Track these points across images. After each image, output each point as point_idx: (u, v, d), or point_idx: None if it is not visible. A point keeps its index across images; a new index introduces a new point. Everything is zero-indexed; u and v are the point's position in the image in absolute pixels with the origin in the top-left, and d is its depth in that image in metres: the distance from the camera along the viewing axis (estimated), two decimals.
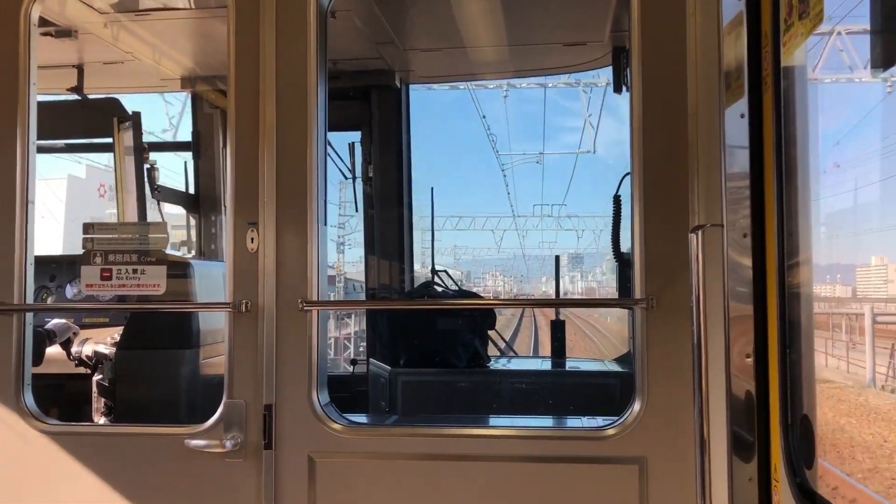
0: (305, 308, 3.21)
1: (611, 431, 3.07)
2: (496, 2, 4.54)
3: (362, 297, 5.68)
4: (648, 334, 3.06)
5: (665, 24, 3.02)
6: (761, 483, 2.44)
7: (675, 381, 3.03)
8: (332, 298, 8.08)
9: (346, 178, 5.93)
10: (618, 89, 4.77)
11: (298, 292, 3.22)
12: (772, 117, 2.41)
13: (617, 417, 3.11)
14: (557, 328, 5.47)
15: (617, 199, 4.47)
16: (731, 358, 2.53)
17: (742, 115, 2.48)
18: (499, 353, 5.83)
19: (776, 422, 2.38)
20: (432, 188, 6.62)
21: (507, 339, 6.31)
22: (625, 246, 4.54)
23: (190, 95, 6.05)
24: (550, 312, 5.97)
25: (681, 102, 3.02)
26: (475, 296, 5.65)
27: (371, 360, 5.25)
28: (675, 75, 3.02)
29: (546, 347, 5.60)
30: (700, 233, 2.61)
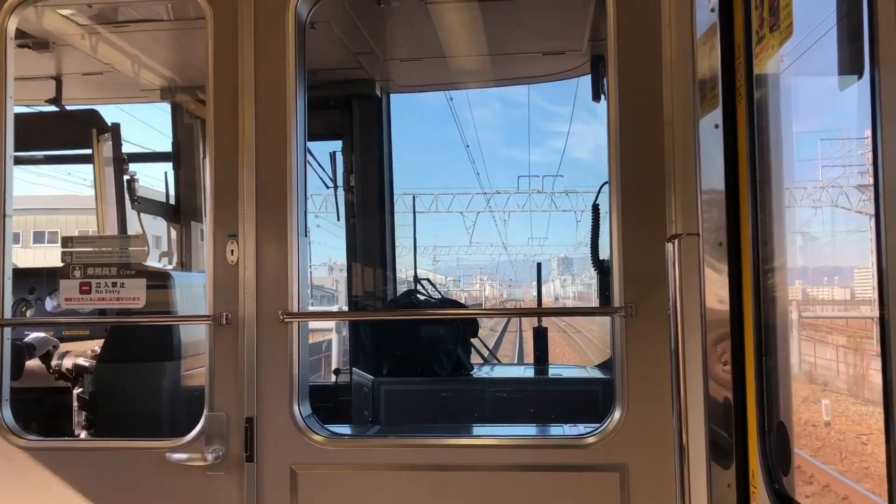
0: (286, 319, 3.19)
1: (592, 439, 3.07)
2: (475, 12, 4.56)
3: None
4: (628, 342, 3.08)
5: (641, 34, 3.04)
6: (739, 489, 2.46)
7: (655, 388, 3.04)
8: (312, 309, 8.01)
9: (328, 188, 5.92)
10: (596, 97, 4.81)
11: (279, 304, 3.20)
12: (745, 127, 2.44)
13: (598, 425, 3.11)
14: (540, 336, 5.49)
15: (596, 208, 4.50)
16: (708, 365, 2.55)
17: (717, 126, 2.50)
18: (482, 361, 5.84)
19: (753, 428, 2.40)
20: (414, 196, 6.62)
21: (490, 347, 6.31)
22: (604, 254, 4.57)
23: (170, 106, 6.01)
24: (534, 319, 5.98)
25: (657, 112, 3.04)
26: (457, 304, 5.66)
27: (354, 369, 5.24)
28: (651, 85, 3.04)
29: (531, 354, 5.62)
30: (677, 241, 2.62)
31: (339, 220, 6.03)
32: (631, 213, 3.07)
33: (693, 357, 2.65)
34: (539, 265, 5.96)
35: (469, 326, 5.09)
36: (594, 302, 4.90)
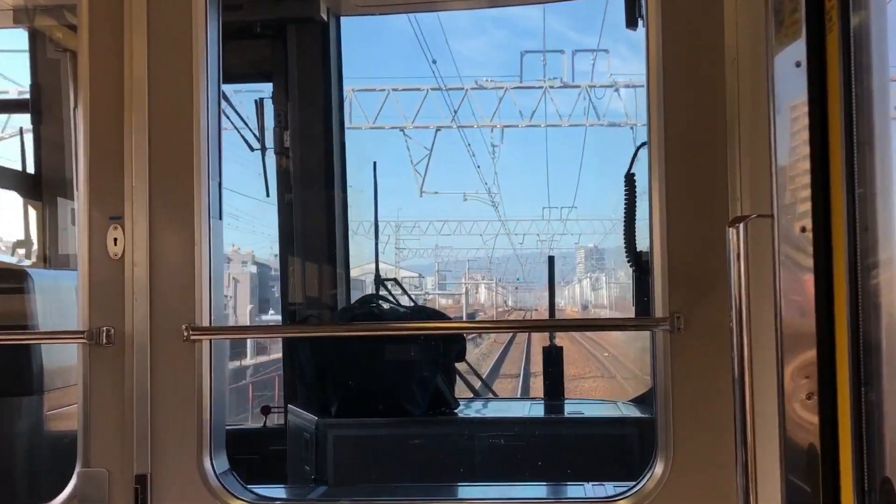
0: (192, 337, 3.19)
1: (624, 503, 3.11)
2: None
3: None
4: (674, 366, 3.10)
5: None
6: None
7: (710, 430, 3.07)
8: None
9: (253, 150, 5.92)
10: (631, 22, 4.82)
11: (182, 315, 3.21)
12: (838, 65, 2.44)
13: (633, 483, 3.15)
14: (552, 358, 5.52)
15: (630, 180, 4.52)
16: (785, 397, 2.57)
17: (798, 64, 2.51)
18: (471, 395, 5.85)
19: (848, 486, 2.42)
20: (375, 163, 6.63)
21: (482, 376, 6.34)
22: (643, 244, 4.61)
23: (27, 33, 5.94)
24: (545, 335, 6.05)
25: (715, 44, 3.06)
26: (436, 315, 5.66)
27: (291, 407, 5.24)
28: (708, 9, 3.06)
29: (540, 384, 5.70)
30: (742, 227, 2.64)
31: (268, 196, 6.03)
32: (678, 188, 3.09)
33: (764, 387, 2.67)
34: (552, 259, 5.99)
35: (453, 346, 5.08)
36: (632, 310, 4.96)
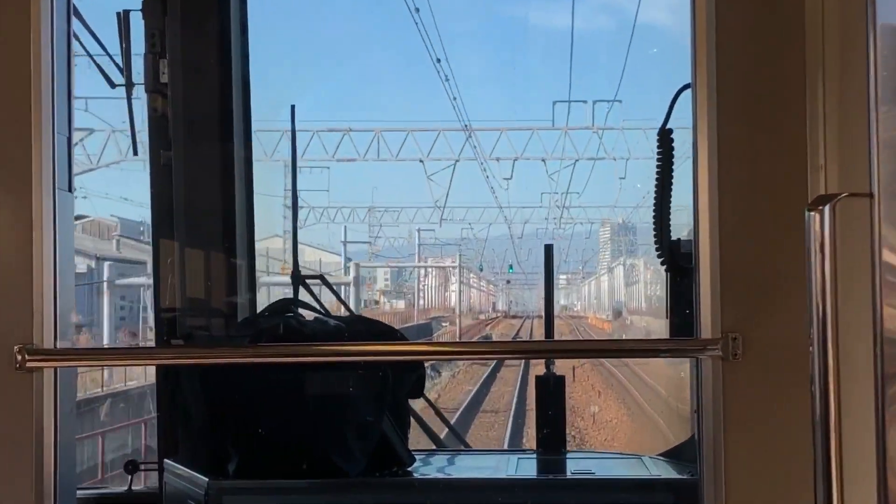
0: (29, 363, 3.21)
1: None
2: None
3: None
4: (727, 405, 3.17)
5: None
6: None
7: (779, 495, 3.14)
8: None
9: (114, 86, 5.89)
10: None
11: (14, 334, 3.23)
12: None
13: None
14: (549, 393, 5.57)
15: (666, 138, 4.54)
16: (887, 446, 2.61)
17: None
18: (433, 447, 5.84)
19: None
20: (293, 108, 6.63)
21: (449, 420, 6.33)
22: (680, 230, 4.63)
23: None
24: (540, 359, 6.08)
25: None
26: (384, 331, 5.64)
27: (168, 463, 5.23)
28: None
29: (533, 430, 5.74)
30: (827, 210, 2.68)
31: (135, 154, 5.98)
32: (736, 155, 3.16)
33: (857, 434, 2.71)
34: (549, 250, 5.99)
35: (406, 377, 5.11)
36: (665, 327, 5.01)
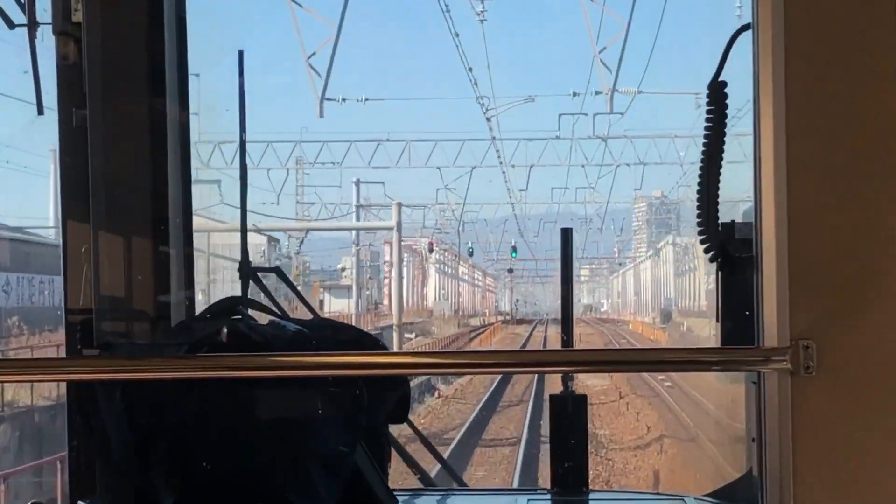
0: None
1: None
2: None
3: None
4: (797, 431, 3.20)
5: None
6: None
7: None
8: None
9: (13, 27, 5.88)
10: None
11: None
12: None
13: None
14: (566, 418, 5.61)
15: (719, 93, 4.52)
16: None
17: None
18: (420, 485, 5.83)
19: None
20: (241, 52, 6.64)
21: (440, 452, 6.30)
22: (733, 212, 4.63)
23: None
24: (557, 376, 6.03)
25: None
26: (361, 338, 5.63)
27: None
28: None
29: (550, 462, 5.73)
30: None
31: (40, 113, 5.97)
32: (808, 113, 3.20)
33: None
34: (567, 233, 5.98)
35: (386, 398, 5.17)
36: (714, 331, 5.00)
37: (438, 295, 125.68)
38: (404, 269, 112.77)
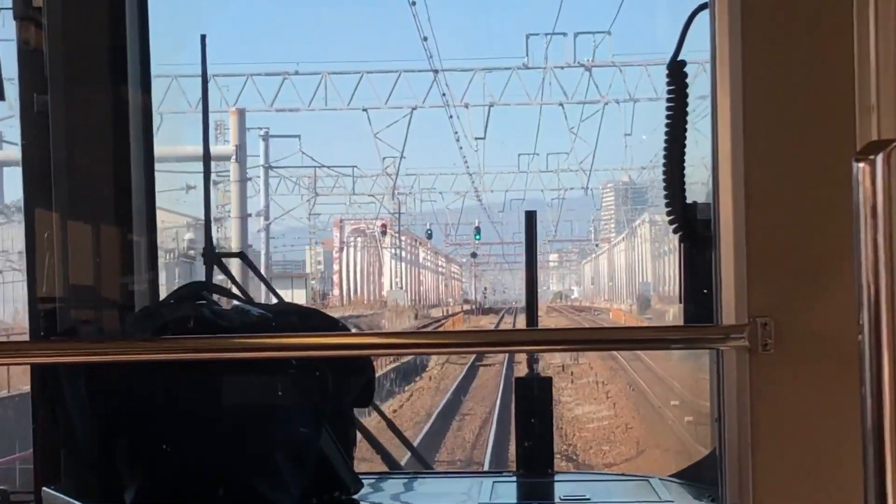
0: None
1: None
2: None
3: None
4: (755, 408, 3.23)
5: None
6: None
7: None
8: None
9: None
10: None
11: None
12: None
13: None
14: (531, 399, 5.62)
15: (678, 73, 4.53)
16: None
17: None
18: (386, 468, 5.83)
19: None
20: (204, 36, 6.61)
21: (406, 435, 6.29)
22: (698, 192, 4.64)
23: None
24: (522, 356, 6.03)
25: None
26: (323, 321, 5.62)
27: (47, 492, 5.22)
28: None
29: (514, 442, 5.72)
30: (880, 159, 2.71)
31: (1, 99, 5.96)
32: (763, 91, 3.22)
33: None
34: (531, 216, 5.98)
35: (352, 381, 5.17)
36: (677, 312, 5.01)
37: (393, 284, 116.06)
38: (358, 255, 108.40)
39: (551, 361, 46.38)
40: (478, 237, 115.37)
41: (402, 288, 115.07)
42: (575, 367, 50.22)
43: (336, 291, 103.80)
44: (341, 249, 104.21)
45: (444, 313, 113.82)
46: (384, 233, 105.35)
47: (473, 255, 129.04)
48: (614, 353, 44.00)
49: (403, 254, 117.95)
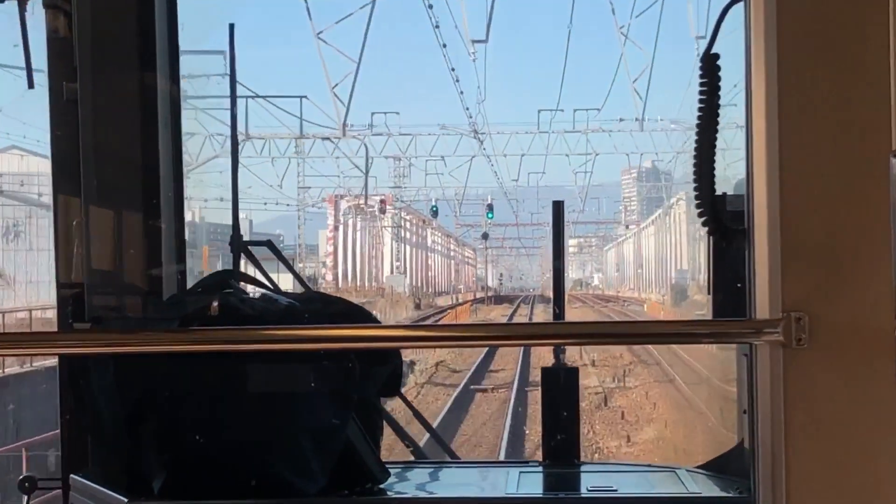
0: None
1: None
2: None
3: None
4: (789, 403, 3.20)
5: None
6: None
7: None
8: None
9: (3, 0, 5.85)
10: None
11: None
12: None
13: None
14: (558, 388, 5.64)
15: (712, 65, 4.52)
16: None
17: None
18: (412, 458, 5.83)
19: None
20: (232, 26, 6.62)
21: (431, 424, 6.28)
22: (729, 183, 4.62)
23: None
24: (549, 349, 6.01)
25: None
26: (351, 311, 5.61)
27: (76, 479, 5.23)
28: None
29: (539, 436, 5.69)
30: None
31: (30, 87, 5.96)
32: (799, 85, 3.19)
33: None
34: (558, 206, 5.96)
35: (379, 372, 5.17)
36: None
37: (394, 268, 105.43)
38: (357, 236, 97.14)
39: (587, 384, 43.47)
40: (490, 216, 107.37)
41: (402, 273, 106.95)
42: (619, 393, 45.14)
43: (330, 276, 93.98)
44: (336, 228, 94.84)
45: (454, 301, 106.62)
46: (383, 210, 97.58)
47: (485, 235, 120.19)
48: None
49: (406, 234, 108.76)
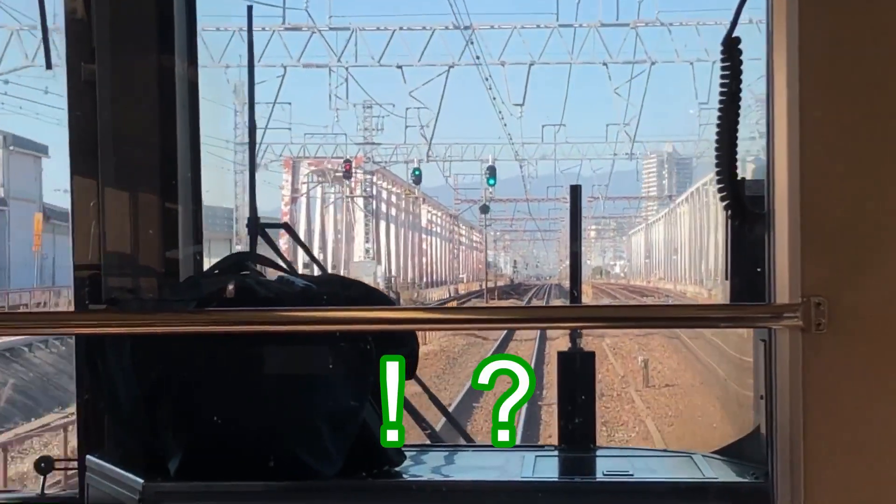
0: None
1: None
2: None
3: None
4: (807, 389, 3.18)
5: None
6: None
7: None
8: None
9: None
10: None
11: None
12: None
13: None
14: (574, 373, 5.63)
15: (733, 49, 4.50)
16: None
17: None
18: (427, 441, 5.83)
19: None
20: (250, 7, 6.60)
21: (447, 406, 6.28)
22: (750, 167, 4.60)
23: None
24: (565, 333, 5.99)
25: None
26: (368, 293, 5.60)
27: (92, 460, 5.23)
28: None
29: (555, 420, 5.67)
30: None
31: (49, 68, 5.95)
32: (822, 65, 3.17)
33: None
34: (576, 190, 5.95)
35: (394, 351, 5.09)
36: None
37: (363, 252, 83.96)
38: (328, 210, 78.48)
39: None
40: (492, 182, 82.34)
41: (372, 258, 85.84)
42: None
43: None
44: (293, 201, 75.53)
45: (450, 294, 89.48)
46: (348, 175, 78.69)
47: (485, 208, 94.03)
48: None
49: (383, 208, 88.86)
